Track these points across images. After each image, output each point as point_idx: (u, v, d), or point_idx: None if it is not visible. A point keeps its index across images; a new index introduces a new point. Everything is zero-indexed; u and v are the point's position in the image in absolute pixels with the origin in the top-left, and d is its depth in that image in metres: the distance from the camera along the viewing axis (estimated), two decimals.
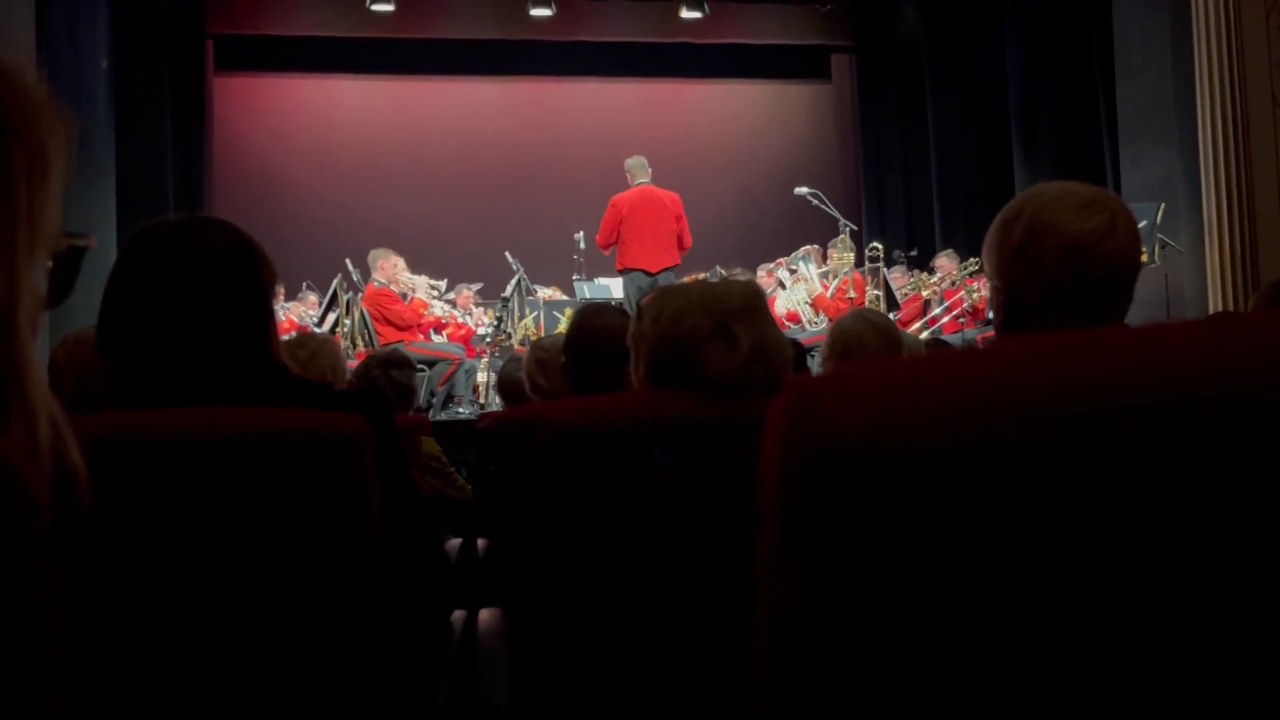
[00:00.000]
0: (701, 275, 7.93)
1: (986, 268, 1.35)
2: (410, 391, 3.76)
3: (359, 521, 1.19)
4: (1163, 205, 6.22)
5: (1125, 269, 1.25)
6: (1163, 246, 6.21)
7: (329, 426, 1.17)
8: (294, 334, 5.26)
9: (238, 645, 1.17)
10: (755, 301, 1.36)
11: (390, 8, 10.06)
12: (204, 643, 1.15)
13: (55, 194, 0.49)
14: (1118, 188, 7.09)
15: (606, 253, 6.67)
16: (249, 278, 1.27)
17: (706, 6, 10.30)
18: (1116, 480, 0.34)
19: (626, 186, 6.69)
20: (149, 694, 1.12)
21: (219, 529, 1.14)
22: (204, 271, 1.24)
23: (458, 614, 1.69)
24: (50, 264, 0.50)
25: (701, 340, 1.35)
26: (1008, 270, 1.28)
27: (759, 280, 7.70)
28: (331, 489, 1.17)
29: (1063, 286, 1.23)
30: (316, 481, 1.16)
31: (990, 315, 6.88)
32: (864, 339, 2.25)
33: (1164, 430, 0.35)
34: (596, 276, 7.90)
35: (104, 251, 6.41)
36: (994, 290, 1.33)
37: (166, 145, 8.89)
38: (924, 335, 6.74)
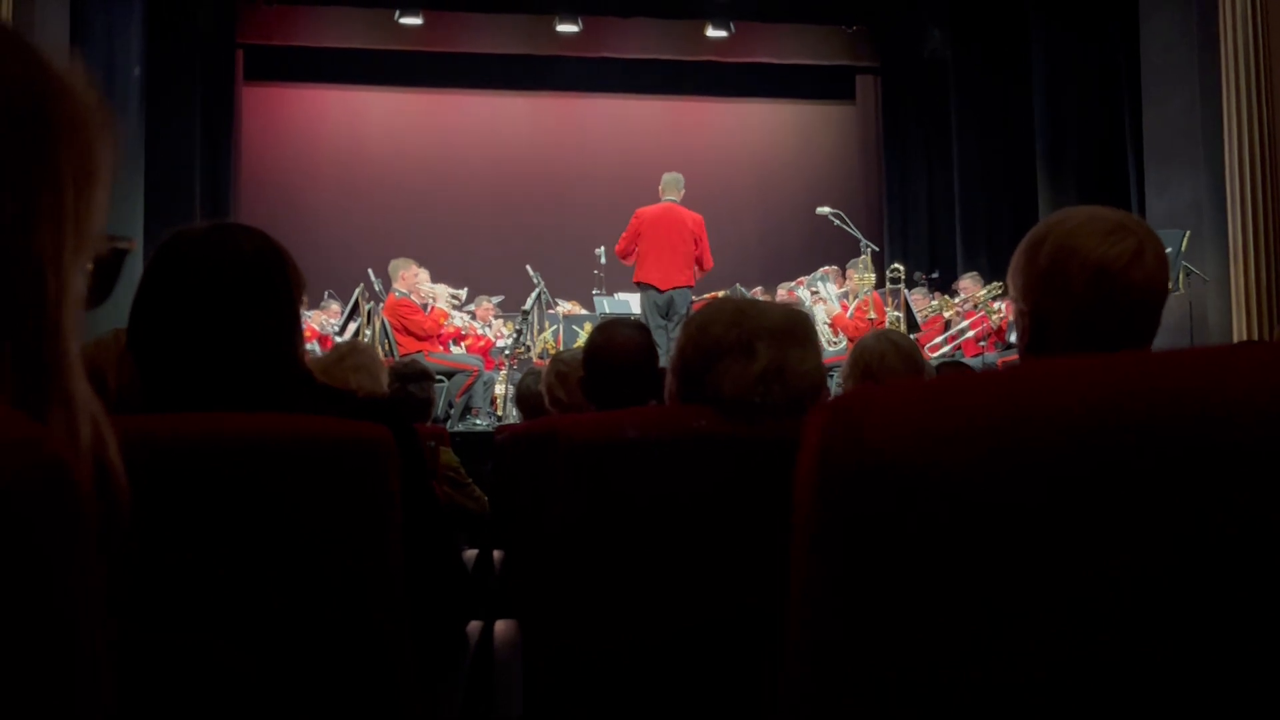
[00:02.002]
0: (721, 293, 7.94)
1: (1012, 291, 1.34)
2: (427, 403, 3.77)
3: (380, 530, 1.20)
4: (1188, 232, 6.19)
5: (1152, 296, 1.24)
6: (1187, 274, 6.17)
7: (353, 434, 1.18)
8: (329, 346, 5.28)
9: (254, 650, 1.17)
10: (793, 325, 1.35)
11: (418, 21, 10.15)
12: (219, 648, 1.16)
13: (101, 196, 0.49)
14: (1143, 213, 7.06)
15: (625, 262, 6.68)
16: (277, 284, 1.28)
17: (732, 25, 10.35)
18: (1159, 503, 0.34)
19: (647, 201, 6.71)
20: (165, 696, 1.12)
21: (240, 534, 1.14)
22: (233, 277, 1.25)
23: (474, 625, 1.69)
24: (92, 265, 0.51)
25: (723, 353, 1.35)
26: (1033, 294, 1.28)
27: (779, 300, 7.70)
28: (354, 496, 1.17)
29: (1089, 312, 1.22)
30: (339, 488, 1.17)
31: (1012, 338, 6.86)
32: (886, 359, 2.24)
33: (1199, 454, 0.35)
34: (617, 292, 7.91)
35: (131, 256, 6.46)
36: (1019, 314, 1.32)
37: (195, 153, 8.99)
38: (939, 354, 6.71)
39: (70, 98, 0.48)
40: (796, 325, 1.36)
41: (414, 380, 3.59)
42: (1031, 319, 1.29)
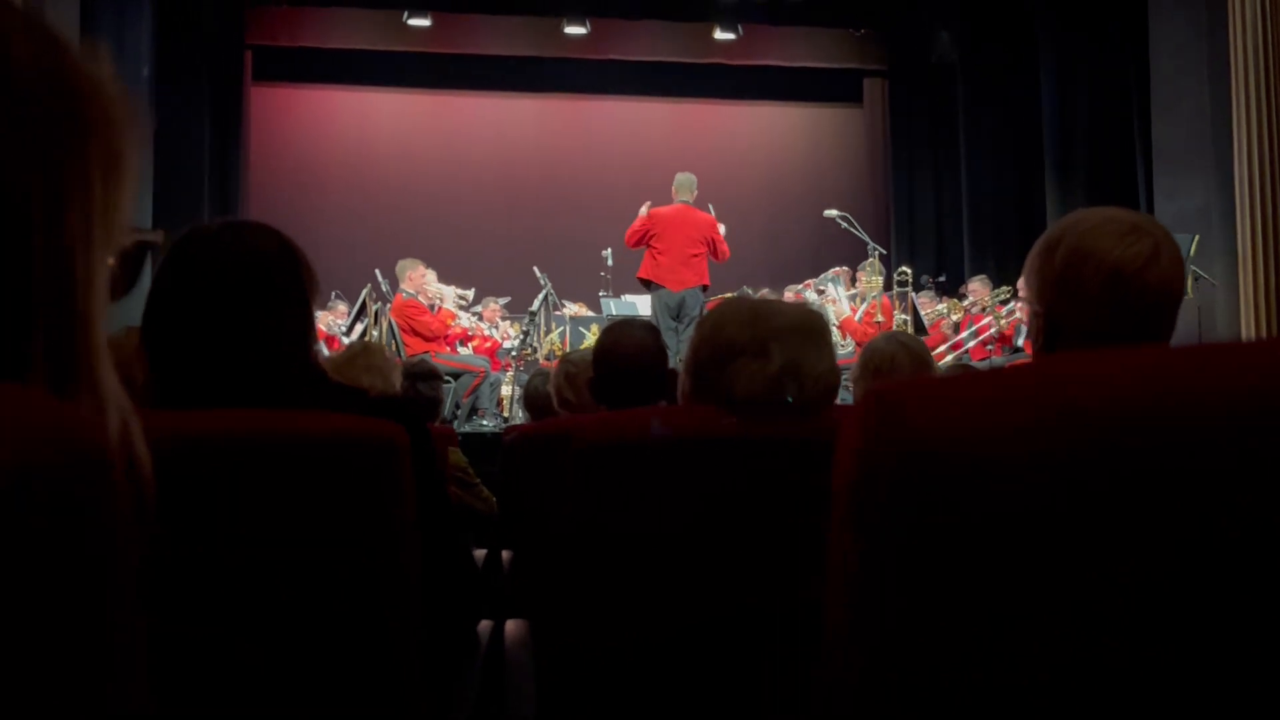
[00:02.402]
0: (728, 296, 7.93)
1: (1026, 293, 1.34)
2: (437, 403, 3.78)
3: (394, 528, 1.20)
4: (1197, 237, 6.17)
5: (1168, 298, 1.24)
6: (1196, 279, 6.15)
7: (367, 432, 1.18)
8: (337, 347, 5.29)
9: (267, 646, 1.17)
10: (808, 326, 1.35)
11: (427, 23, 10.17)
12: (231, 645, 1.16)
13: (127, 189, 0.50)
14: None
15: (631, 246, 6.65)
16: (291, 282, 1.28)
17: (740, 28, 10.35)
18: (1205, 492, 0.34)
19: (654, 203, 6.71)
20: (178, 692, 1.12)
21: (254, 531, 1.14)
22: (247, 274, 1.25)
23: (484, 625, 1.69)
24: (117, 258, 0.51)
25: (736, 354, 1.35)
26: (1048, 296, 1.27)
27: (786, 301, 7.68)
28: (368, 494, 1.17)
29: (1104, 314, 1.22)
30: (353, 486, 1.17)
31: (1019, 342, 6.85)
32: (896, 361, 2.24)
33: (1252, 443, 0.34)
34: (624, 293, 7.92)
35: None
36: (1033, 315, 1.32)
37: (204, 153, 9.02)
38: (948, 359, 6.70)
39: (98, 92, 0.48)
40: (811, 325, 1.36)
41: (423, 379, 3.60)
42: (1046, 321, 1.28)
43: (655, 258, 6.45)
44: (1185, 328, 6.12)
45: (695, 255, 6.48)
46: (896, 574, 0.36)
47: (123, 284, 0.51)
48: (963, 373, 0.38)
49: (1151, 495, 0.35)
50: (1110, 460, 0.35)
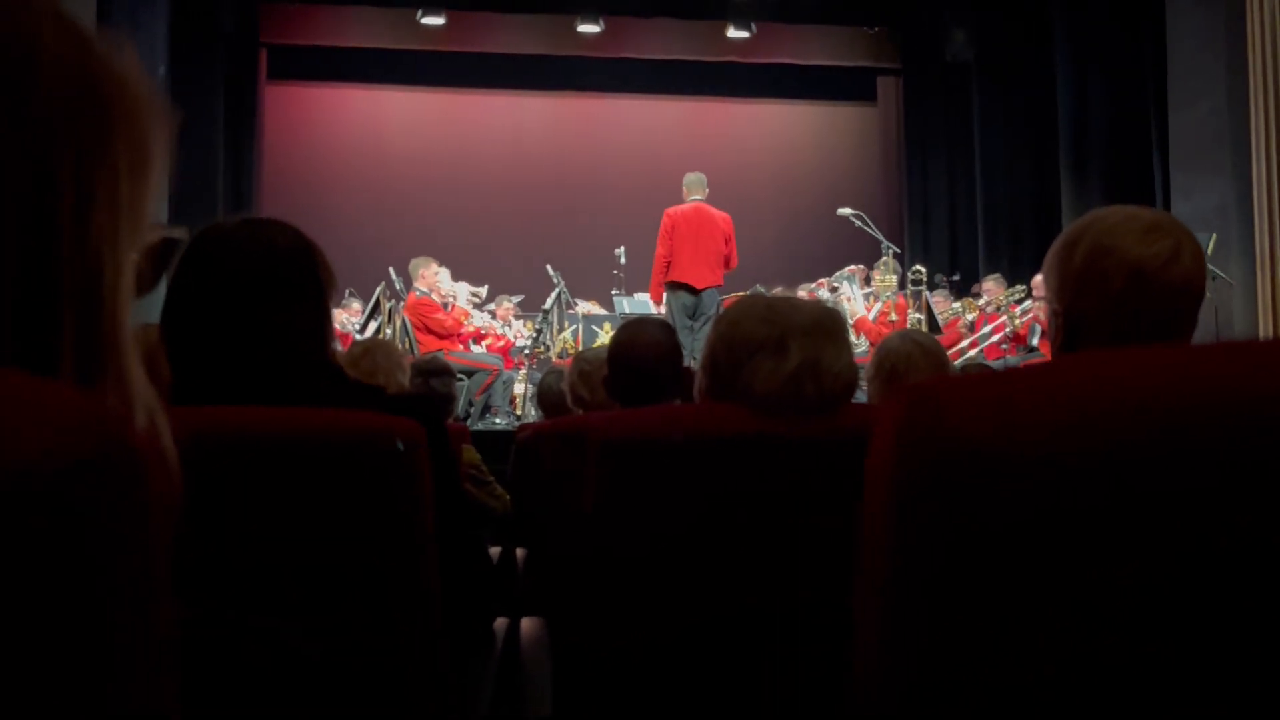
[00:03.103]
0: (741, 294, 7.92)
1: (1045, 291, 1.33)
2: (449, 399, 3.78)
3: (411, 525, 1.20)
4: (1214, 236, 6.13)
5: (1190, 296, 1.23)
6: (1213, 278, 6.11)
7: (385, 428, 1.18)
8: (351, 344, 5.30)
9: (284, 643, 1.17)
10: (826, 323, 1.34)
11: (440, 21, 10.18)
12: (249, 641, 1.16)
13: (154, 184, 0.50)
14: None
15: (665, 268, 6.53)
16: (309, 278, 1.28)
17: (754, 26, 10.33)
18: (1245, 489, 0.34)
19: (668, 201, 6.70)
20: (197, 686, 1.13)
21: (272, 527, 1.15)
22: (265, 271, 1.25)
23: (500, 622, 1.69)
24: (144, 254, 0.51)
25: (754, 351, 1.34)
26: (1068, 294, 1.26)
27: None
28: (385, 491, 1.18)
29: (1125, 312, 1.21)
30: (370, 483, 1.17)
31: (1034, 342, 6.81)
32: (912, 360, 2.22)
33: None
34: (636, 292, 7.91)
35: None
36: (1053, 314, 1.31)
37: (218, 151, 9.06)
38: (963, 359, 6.67)
39: (126, 86, 0.48)
40: (830, 323, 1.35)
41: (436, 375, 3.60)
42: (1065, 319, 1.27)
43: (675, 256, 6.43)
44: (1202, 327, 6.05)
45: (715, 253, 6.46)
46: (932, 568, 0.36)
47: (149, 279, 0.51)
48: (994, 370, 0.38)
49: (1190, 489, 0.34)
50: (1146, 455, 0.34)
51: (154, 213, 0.52)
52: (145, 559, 0.35)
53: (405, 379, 2.89)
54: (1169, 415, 0.35)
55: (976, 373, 0.38)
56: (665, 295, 6.68)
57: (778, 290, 7.96)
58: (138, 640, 0.34)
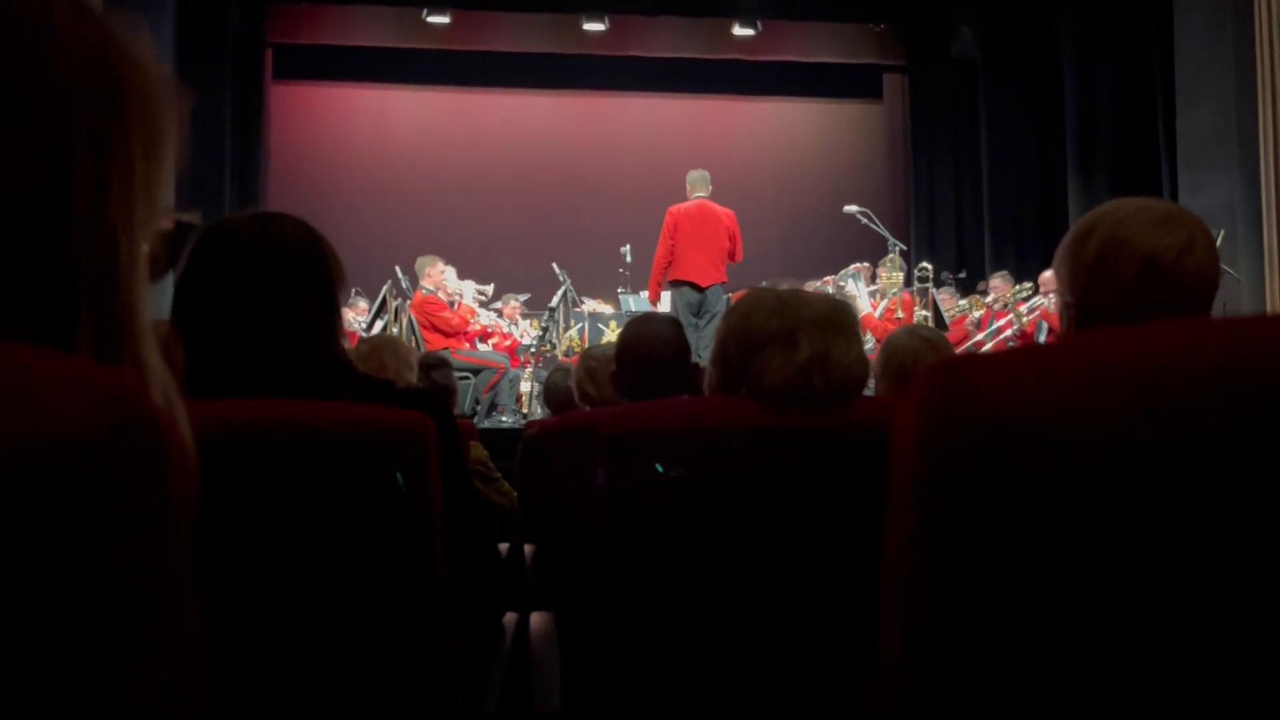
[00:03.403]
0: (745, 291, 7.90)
1: (1057, 283, 1.32)
2: (450, 390, 3.78)
3: (420, 518, 1.20)
4: (1223, 232, 6.11)
5: (1203, 287, 1.22)
6: (1221, 274, 6.09)
7: (395, 422, 1.18)
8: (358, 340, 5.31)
9: (294, 637, 1.17)
10: (837, 315, 1.34)
11: (446, 20, 10.19)
12: (258, 634, 1.16)
13: (168, 169, 0.50)
14: None
15: (665, 267, 6.53)
16: (320, 272, 1.28)
17: (759, 24, 10.32)
18: (1260, 484, 0.34)
19: (673, 199, 6.69)
20: (208, 679, 1.13)
21: (282, 520, 1.15)
22: (276, 264, 1.25)
23: (509, 617, 1.69)
24: (158, 238, 0.51)
25: (764, 343, 1.34)
26: (1080, 286, 1.26)
27: None
28: (394, 485, 1.17)
29: (1139, 303, 1.20)
30: (380, 477, 1.17)
31: (1040, 339, 6.80)
32: (920, 356, 2.21)
33: None
34: (643, 289, 7.90)
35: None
36: (1065, 306, 1.30)
37: (225, 151, 9.08)
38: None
39: (141, 71, 0.48)
40: (840, 315, 1.34)
41: (435, 368, 3.61)
42: (1078, 311, 1.27)
43: (680, 254, 6.42)
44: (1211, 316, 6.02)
45: (719, 250, 6.46)
46: (955, 540, 0.36)
47: (163, 263, 0.51)
48: (1018, 348, 0.38)
49: (1230, 458, 0.34)
50: (1170, 426, 0.34)
51: (166, 199, 0.52)
52: (172, 527, 0.35)
53: (413, 375, 2.89)
54: (1193, 386, 0.34)
55: (1005, 348, 0.38)
56: (670, 293, 6.67)
57: (787, 283, 7.94)
58: (167, 608, 0.34)
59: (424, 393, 1.43)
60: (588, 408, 2.89)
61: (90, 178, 0.45)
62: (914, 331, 2.38)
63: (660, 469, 1.31)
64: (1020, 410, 0.35)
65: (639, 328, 2.30)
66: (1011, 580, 0.35)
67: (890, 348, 2.31)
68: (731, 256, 6.52)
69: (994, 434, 0.35)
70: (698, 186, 6.59)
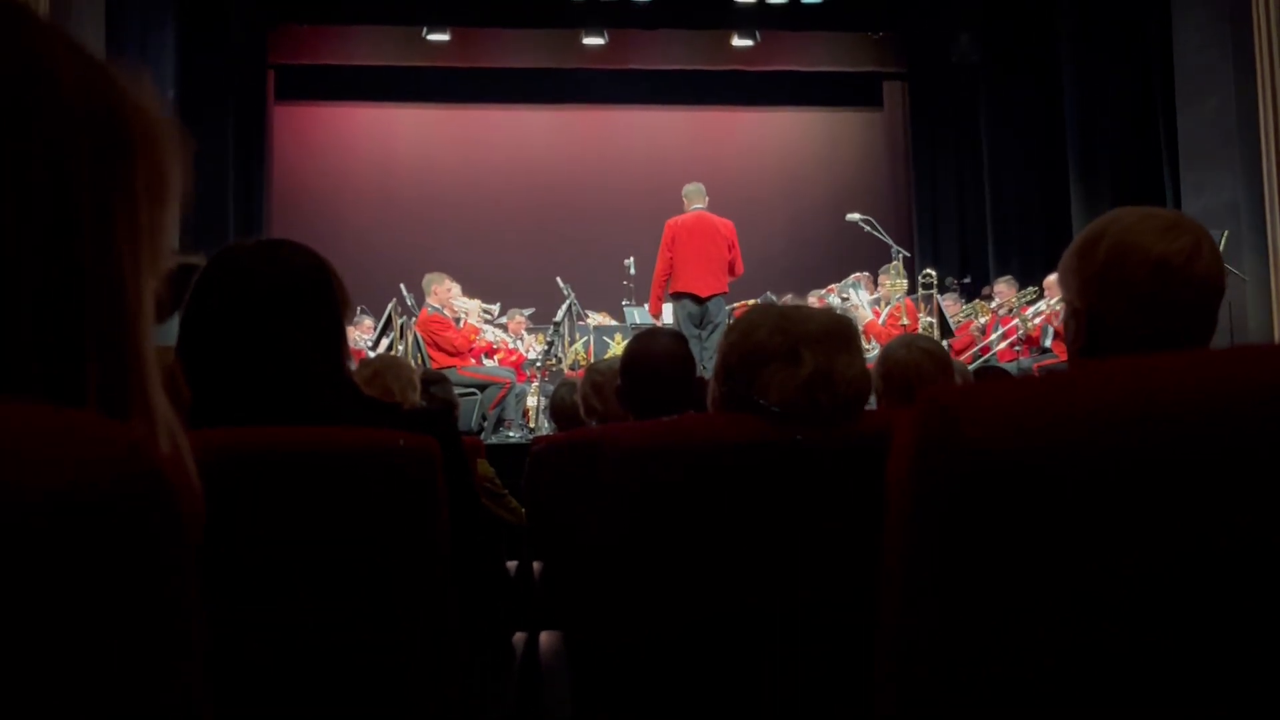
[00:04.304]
0: (752, 302, 7.92)
1: (1064, 291, 1.32)
2: (451, 405, 3.78)
3: (428, 540, 1.20)
4: (1226, 232, 6.10)
5: (1211, 291, 1.22)
6: (1226, 275, 6.07)
7: (400, 445, 1.18)
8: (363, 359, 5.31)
9: (305, 659, 1.17)
10: (838, 330, 1.34)
11: (446, 37, 10.24)
12: (270, 656, 1.16)
13: (173, 213, 0.50)
14: None
15: (665, 280, 6.56)
16: (325, 298, 1.29)
17: (758, 34, 10.35)
18: (1247, 491, 0.34)
19: (675, 210, 6.71)
20: (221, 701, 1.13)
21: (291, 546, 1.15)
22: (282, 291, 1.26)
23: (519, 636, 1.69)
24: (163, 280, 0.51)
25: (768, 360, 1.34)
26: (1089, 293, 1.25)
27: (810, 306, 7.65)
28: (402, 507, 1.18)
29: (1149, 308, 1.20)
30: (386, 499, 1.17)
31: (1047, 343, 6.79)
32: (922, 370, 2.19)
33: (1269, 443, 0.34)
34: (645, 302, 7.92)
35: None
36: (1073, 313, 1.30)
37: (228, 172, 9.12)
38: (975, 364, 6.65)
39: (145, 116, 0.49)
40: (841, 330, 1.35)
41: (434, 384, 3.62)
42: (1086, 318, 1.27)
43: (680, 266, 6.43)
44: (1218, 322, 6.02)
45: (718, 260, 6.47)
46: (948, 572, 0.36)
47: (167, 305, 0.51)
48: (1008, 376, 0.38)
49: (1194, 494, 0.35)
50: (1155, 463, 0.35)
51: (171, 241, 0.52)
52: (180, 580, 0.35)
53: (417, 396, 2.89)
54: (1175, 423, 0.35)
55: (991, 379, 0.39)
56: (671, 305, 6.68)
57: (788, 298, 7.97)
58: (175, 659, 0.34)
59: (429, 413, 1.43)
60: (594, 422, 2.90)
61: (96, 225, 0.45)
62: (911, 343, 2.34)
63: (665, 487, 1.31)
64: (1006, 447, 0.36)
65: (643, 343, 2.30)
66: (997, 606, 0.36)
67: (891, 361, 2.27)
68: (731, 268, 6.52)
69: (981, 470, 0.36)
70: (694, 199, 6.61)
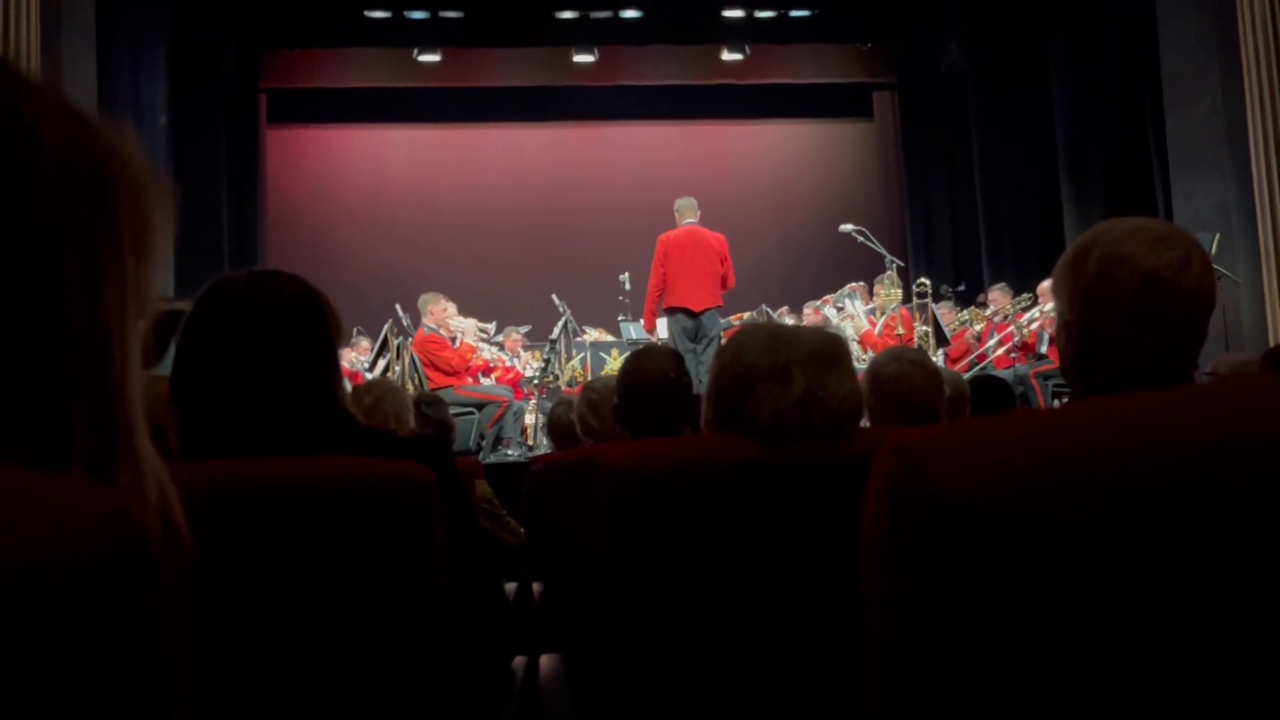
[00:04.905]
0: (747, 315, 7.93)
1: (1056, 302, 1.32)
2: (448, 426, 3.77)
3: (424, 567, 1.20)
4: (1218, 235, 6.12)
5: (1201, 305, 1.23)
6: (1220, 277, 6.09)
7: (394, 474, 1.18)
8: (360, 382, 5.31)
9: (304, 689, 1.17)
10: (828, 349, 1.35)
11: (436, 58, 10.28)
12: (269, 687, 1.16)
13: (158, 261, 0.50)
14: (1170, 219, 7.00)
15: (659, 297, 6.58)
16: (317, 328, 1.29)
17: (748, 48, 10.40)
18: (1223, 548, 0.35)
19: (668, 225, 6.72)
20: None
21: (287, 579, 1.15)
22: (274, 322, 1.26)
23: (519, 660, 1.68)
24: (149, 326, 0.51)
25: (759, 379, 1.34)
26: (1080, 304, 1.26)
27: (806, 319, 7.68)
28: (397, 537, 1.18)
29: (1139, 320, 1.21)
30: (384, 529, 1.17)
31: (1043, 350, 6.80)
32: (915, 384, 2.18)
33: (1264, 498, 0.35)
34: (644, 324, 7.92)
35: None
36: (1064, 325, 1.31)
37: (222, 197, 9.14)
38: (972, 371, 6.66)
39: (127, 165, 0.49)
40: (831, 349, 1.35)
41: (429, 405, 3.61)
42: (1077, 330, 1.27)
43: (672, 281, 6.45)
44: (1211, 327, 6.03)
45: (711, 274, 6.48)
46: (922, 610, 0.37)
47: (154, 352, 0.52)
48: (977, 421, 0.39)
49: (1162, 541, 0.35)
50: (1117, 508, 0.35)
51: (156, 290, 0.52)
52: (160, 645, 0.35)
53: (413, 418, 2.89)
54: (1135, 468, 0.36)
55: (960, 424, 0.39)
56: (666, 320, 6.69)
57: (783, 311, 7.98)
58: (157, 713, 0.35)
59: (424, 440, 1.43)
60: (591, 441, 2.89)
61: (82, 278, 0.45)
62: (900, 355, 2.31)
63: (659, 508, 1.31)
64: (973, 496, 0.36)
65: (638, 361, 2.31)
66: (967, 645, 0.36)
67: (882, 376, 2.24)
68: (724, 282, 6.53)
69: (948, 518, 0.36)
70: (686, 213, 6.63)
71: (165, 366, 1.26)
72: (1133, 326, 1.22)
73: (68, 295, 0.45)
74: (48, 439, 0.44)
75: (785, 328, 1.39)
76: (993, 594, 0.36)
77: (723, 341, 1.58)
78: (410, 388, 6.67)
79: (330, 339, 1.31)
